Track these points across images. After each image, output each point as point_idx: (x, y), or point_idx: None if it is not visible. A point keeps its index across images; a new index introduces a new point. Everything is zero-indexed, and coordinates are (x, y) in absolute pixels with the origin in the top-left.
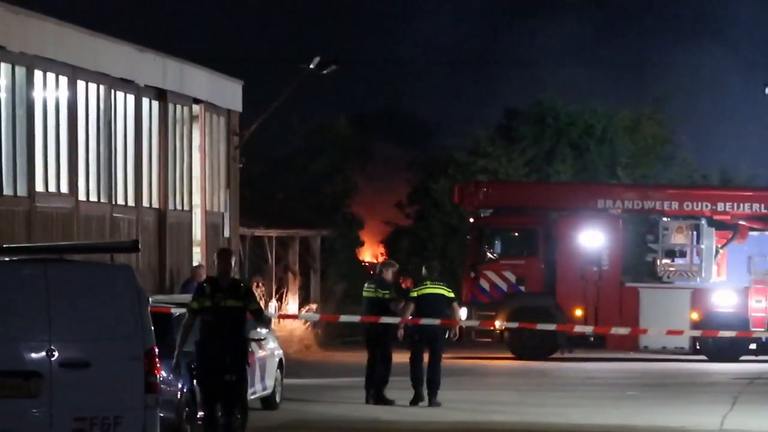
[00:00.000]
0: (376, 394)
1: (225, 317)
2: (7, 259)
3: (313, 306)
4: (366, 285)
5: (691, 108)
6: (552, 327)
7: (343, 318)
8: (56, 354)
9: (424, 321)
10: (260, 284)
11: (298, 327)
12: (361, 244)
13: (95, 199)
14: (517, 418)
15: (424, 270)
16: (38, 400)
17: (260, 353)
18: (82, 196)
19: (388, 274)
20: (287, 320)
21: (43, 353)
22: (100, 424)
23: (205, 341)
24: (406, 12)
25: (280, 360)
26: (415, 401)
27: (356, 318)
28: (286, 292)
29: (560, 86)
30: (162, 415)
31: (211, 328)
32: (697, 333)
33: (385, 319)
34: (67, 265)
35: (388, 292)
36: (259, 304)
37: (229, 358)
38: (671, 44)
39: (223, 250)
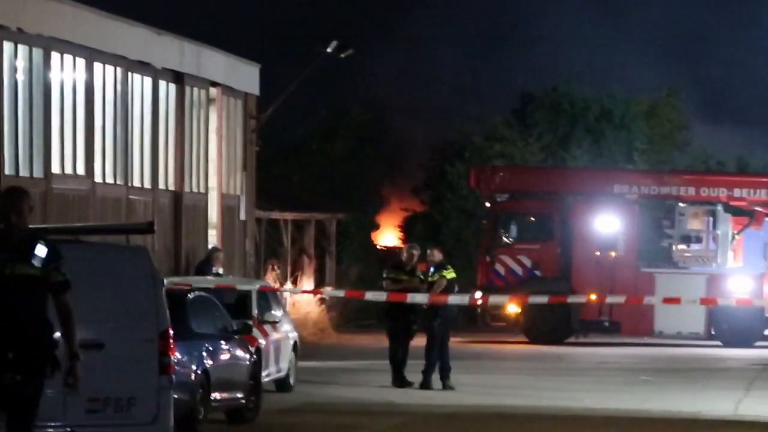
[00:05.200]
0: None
1: (9, 290)
2: None
3: (328, 289)
4: (387, 271)
5: (707, 93)
6: (581, 299)
7: (369, 296)
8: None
9: (451, 302)
10: (275, 267)
11: (313, 310)
12: (377, 227)
13: (111, 181)
14: (531, 402)
15: (438, 254)
16: (52, 381)
17: (274, 335)
18: (98, 178)
19: (412, 258)
20: (302, 303)
21: (57, 334)
22: (114, 406)
23: None
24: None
25: (295, 343)
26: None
27: (382, 296)
28: (301, 276)
29: (576, 70)
30: (176, 396)
31: None
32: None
33: (412, 299)
34: (82, 246)
35: (410, 276)
36: (65, 275)
37: (12, 353)
38: (689, 29)
39: (11, 189)
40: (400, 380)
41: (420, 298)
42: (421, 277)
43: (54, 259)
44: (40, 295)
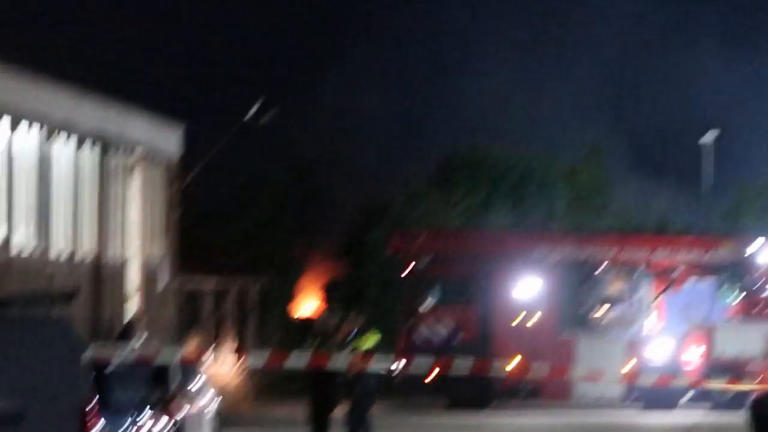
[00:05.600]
0: None
1: None
2: None
3: (250, 358)
4: (310, 340)
5: (627, 158)
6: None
7: (290, 362)
8: None
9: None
10: (197, 334)
11: (234, 379)
12: (296, 294)
13: (31, 249)
14: None
15: (360, 321)
16: None
17: (195, 405)
18: (17, 246)
19: (330, 325)
20: (222, 371)
21: None
22: None
23: None
24: (339, 61)
25: (216, 412)
26: None
27: (303, 360)
28: (223, 343)
29: (498, 132)
30: None
31: None
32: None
33: (333, 365)
34: (1, 317)
35: (330, 344)
36: None
37: None
38: (606, 92)
39: None
40: None
41: (340, 364)
42: (342, 343)
43: None
44: None
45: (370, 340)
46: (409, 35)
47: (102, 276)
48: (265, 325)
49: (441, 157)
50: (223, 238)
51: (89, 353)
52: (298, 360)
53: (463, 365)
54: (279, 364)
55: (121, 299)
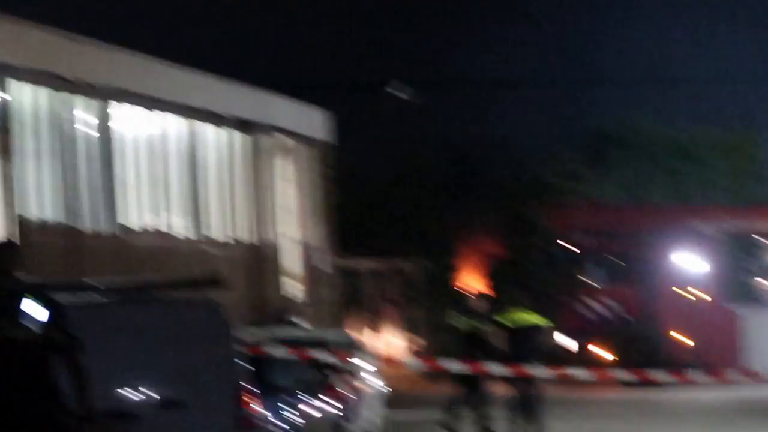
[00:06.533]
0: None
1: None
2: (93, 298)
3: (418, 340)
4: (458, 315)
5: None
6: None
7: (450, 365)
8: (151, 394)
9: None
10: (359, 315)
11: (398, 358)
12: (456, 270)
13: (184, 234)
14: None
15: (511, 297)
16: None
17: (364, 387)
18: (170, 231)
19: (483, 305)
20: (387, 352)
21: (139, 394)
22: None
23: None
24: (487, 38)
25: (385, 394)
26: None
27: (459, 366)
28: (384, 324)
29: (646, 105)
30: None
31: None
32: None
33: (489, 367)
34: (154, 301)
35: (482, 323)
36: (71, 334)
37: None
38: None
39: None
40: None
41: (498, 369)
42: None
43: (55, 318)
44: (41, 361)
45: (529, 317)
46: (557, 7)
47: (257, 258)
48: (430, 305)
49: (594, 130)
50: (378, 220)
51: (247, 336)
52: (457, 366)
53: (632, 342)
54: (437, 370)
55: (276, 282)
